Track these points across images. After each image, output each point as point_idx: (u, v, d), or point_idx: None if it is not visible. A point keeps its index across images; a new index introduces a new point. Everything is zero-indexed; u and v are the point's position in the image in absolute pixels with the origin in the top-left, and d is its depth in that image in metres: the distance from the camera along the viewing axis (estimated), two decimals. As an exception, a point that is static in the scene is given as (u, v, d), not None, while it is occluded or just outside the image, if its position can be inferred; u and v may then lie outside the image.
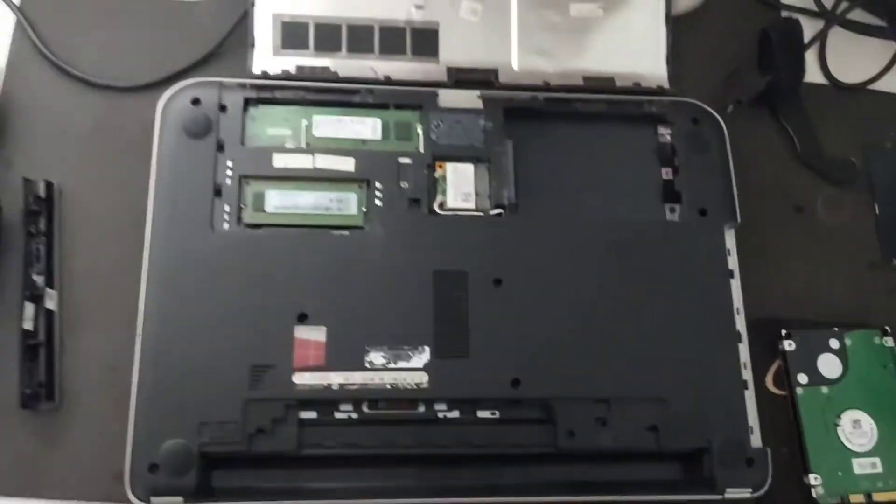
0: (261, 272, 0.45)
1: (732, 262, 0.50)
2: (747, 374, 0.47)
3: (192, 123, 0.47)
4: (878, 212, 0.56)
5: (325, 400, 0.44)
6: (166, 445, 0.41)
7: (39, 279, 0.44)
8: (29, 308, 0.44)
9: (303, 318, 0.44)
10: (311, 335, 0.44)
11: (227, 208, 0.46)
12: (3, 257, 0.46)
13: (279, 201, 0.46)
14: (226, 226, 0.46)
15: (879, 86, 0.59)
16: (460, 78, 0.52)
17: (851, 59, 0.59)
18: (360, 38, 0.52)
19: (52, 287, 0.45)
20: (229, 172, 0.46)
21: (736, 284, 0.49)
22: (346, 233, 0.46)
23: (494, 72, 0.53)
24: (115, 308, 0.46)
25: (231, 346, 0.43)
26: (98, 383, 0.45)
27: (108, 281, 0.47)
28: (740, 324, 0.48)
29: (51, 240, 0.46)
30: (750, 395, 0.47)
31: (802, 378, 0.49)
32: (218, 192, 0.46)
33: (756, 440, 0.46)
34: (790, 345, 0.50)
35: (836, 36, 0.60)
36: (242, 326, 0.44)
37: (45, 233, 0.46)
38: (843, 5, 0.59)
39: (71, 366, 0.45)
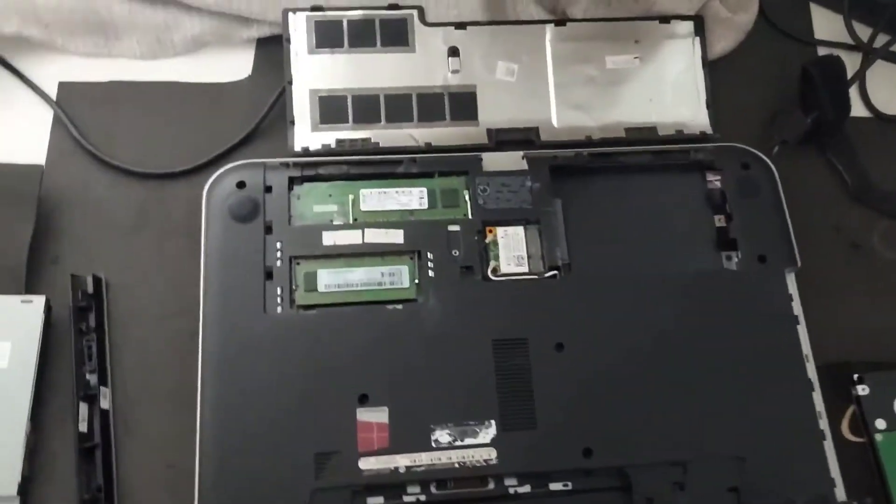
0: (317, 355, 0.44)
1: (797, 308, 0.48)
2: (824, 424, 0.46)
3: (238, 207, 0.46)
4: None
5: (392, 484, 0.42)
6: (234, 544, 0.39)
7: (92, 377, 0.44)
8: (83, 409, 0.43)
9: (364, 400, 0.43)
10: (374, 417, 0.43)
11: (279, 291, 0.45)
12: (54, 356, 0.45)
13: (330, 280, 0.46)
14: (279, 309, 0.45)
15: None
16: (501, 139, 0.52)
17: (893, 90, 0.58)
18: (398, 107, 0.52)
19: (105, 385, 0.44)
20: (279, 254, 0.46)
21: (802, 330, 0.48)
22: (399, 307, 0.45)
23: (535, 130, 0.52)
24: (170, 402, 0.45)
25: (293, 434, 0.42)
26: (157, 482, 0.43)
27: (160, 373, 0.46)
28: (811, 371, 0.47)
29: (102, 336, 0.45)
30: (829, 446, 0.45)
31: (880, 423, 0.47)
32: (269, 274, 0.45)
33: (840, 493, 0.44)
34: (864, 389, 0.48)
35: (877, 68, 0.59)
36: (303, 412, 0.42)
37: (95, 329, 0.45)
38: (881, 38, 0.59)
39: (128, 466, 0.44)
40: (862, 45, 0.59)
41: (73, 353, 0.44)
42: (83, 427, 0.42)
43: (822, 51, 0.59)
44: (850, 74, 0.56)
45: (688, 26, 0.55)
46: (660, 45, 0.55)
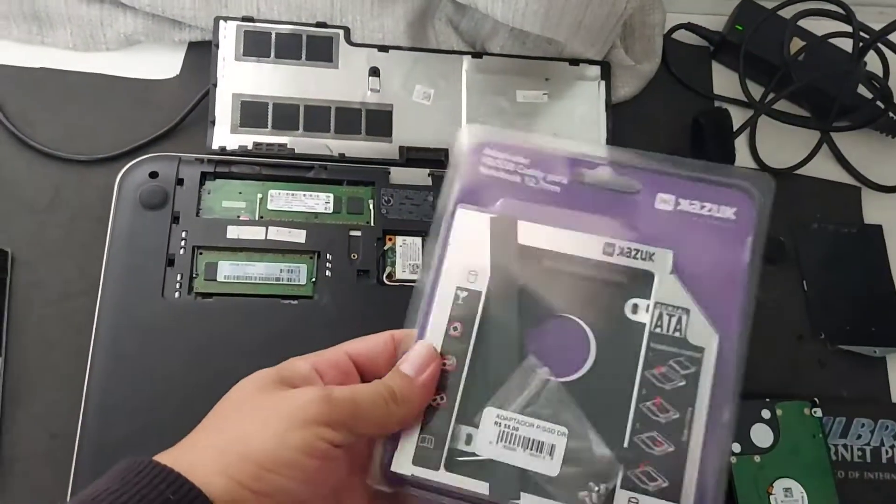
0: (210, 341, 0.46)
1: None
2: (686, 445, 0.49)
3: (148, 195, 0.48)
4: (806, 288, 0.59)
5: (268, 469, 0.44)
6: (104, 514, 0.41)
7: (-14, 346, 0.45)
8: (-27, 374, 0.44)
9: (249, 386, 0.45)
10: (257, 403, 0.44)
11: (178, 277, 0.47)
12: (-49, 323, 0.46)
13: (230, 271, 0.48)
14: (177, 294, 0.47)
15: (806, 171, 0.63)
16: (412, 157, 0.55)
17: (780, 146, 0.63)
18: (316, 117, 0.55)
19: (-2, 354, 0.45)
20: (183, 243, 0.48)
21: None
22: (295, 302, 0.48)
23: (445, 151, 0.56)
24: (61, 375, 0.46)
25: (175, 414, 0.43)
26: (39, 450, 0.45)
27: (55, 348, 0.47)
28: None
29: (0, 308, 0.46)
30: (689, 466, 0.48)
31: (735, 447, 0.50)
32: (171, 261, 0.47)
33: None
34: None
35: (766, 125, 0.64)
36: (189, 395, 0.44)
37: (-4, 300, 0.46)
38: (771, 97, 0.64)
39: (12, 433, 0.45)
40: (754, 102, 0.64)
41: (-29, 321, 0.45)
42: (-30, 392, 0.43)
43: (718, 104, 0.64)
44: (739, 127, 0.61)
45: (595, 70, 0.60)
46: (568, 84, 0.59)
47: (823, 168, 0.64)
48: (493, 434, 0.30)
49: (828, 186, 0.63)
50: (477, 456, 0.29)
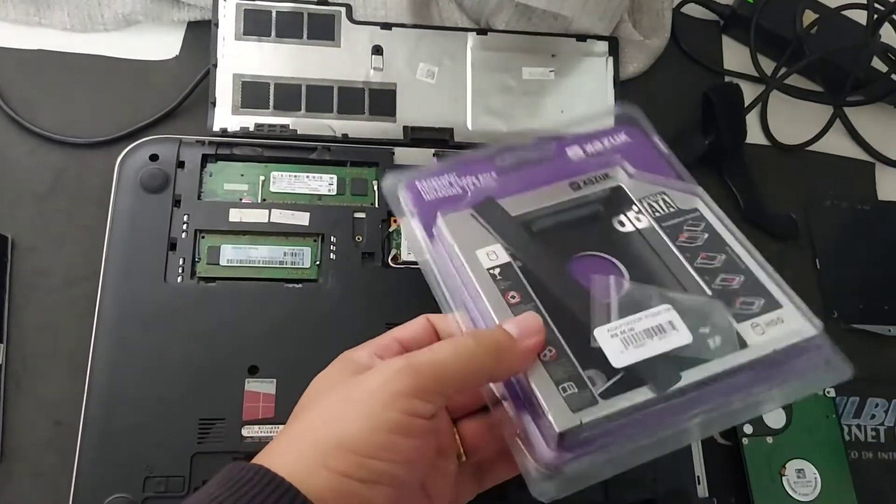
0: (213, 325, 0.45)
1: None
2: (696, 426, 0.48)
3: (149, 178, 0.48)
4: (818, 267, 0.58)
5: (274, 453, 0.43)
6: (109, 500, 0.40)
7: (-12, 332, 0.44)
8: (-25, 361, 0.43)
9: (253, 371, 0.44)
10: (261, 388, 0.44)
11: (181, 262, 0.46)
12: (-48, 310, 0.45)
13: (233, 255, 0.47)
14: (179, 279, 0.46)
15: (818, 147, 0.62)
16: (416, 136, 0.54)
17: (792, 121, 0.62)
18: (319, 97, 0.54)
19: (0, 340, 0.45)
20: (185, 227, 0.47)
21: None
22: (299, 286, 0.47)
23: (450, 131, 0.55)
24: (64, 361, 0.46)
25: (180, 399, 0.43)
26: (42, 437, 0.44)
27: (58, 334, 0.46)
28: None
29: (1, 293, 0.46)
30: (696, 446, 0.47)
31: (748, 428, 0.50)
32: (173, 246, 0.47)
33: (703, 490, 0.46)
34: (738, 397, 0.50)
35: (777, 100, 0.63)
36: (192, 380, 0.44)
37: (-3, 285, 0.46)
38: (783, 71, 0.62)
39: (15, 420, 0.44)
40: (765, 76, 0.63)
41: (-28, 307, 0.45)
42: (-27, 379, 0.43)
43: (729, 79, 0.63)
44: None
45: (602, 46, 0.59)
46: (575, 61, 0.58)
47: (836, 144, 0.62)
48: (617, 345, 0.30)
49: (841, 162, 0.62)
50: (618, 372, 0.30)
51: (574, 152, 0.38)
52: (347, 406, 0.27)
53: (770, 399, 0.31)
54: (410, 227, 0.35)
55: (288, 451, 0.27)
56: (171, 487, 0.41)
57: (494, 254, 0.33)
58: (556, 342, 0.30)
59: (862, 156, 0.63)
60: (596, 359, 0.30)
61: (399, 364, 0.28)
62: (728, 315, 0.31)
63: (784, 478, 0.48)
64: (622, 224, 0.35)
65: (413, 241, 0.36)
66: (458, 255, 0.33)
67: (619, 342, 0.30)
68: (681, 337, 0.30)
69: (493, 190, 0.36)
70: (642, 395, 0.29)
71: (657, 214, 0.35)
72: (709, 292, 0.32)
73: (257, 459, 0.27)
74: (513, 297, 0.32)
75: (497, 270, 0.32)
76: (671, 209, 0.35)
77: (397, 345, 0.33)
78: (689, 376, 0.30)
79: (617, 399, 0.29)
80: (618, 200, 0.36)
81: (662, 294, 0.32)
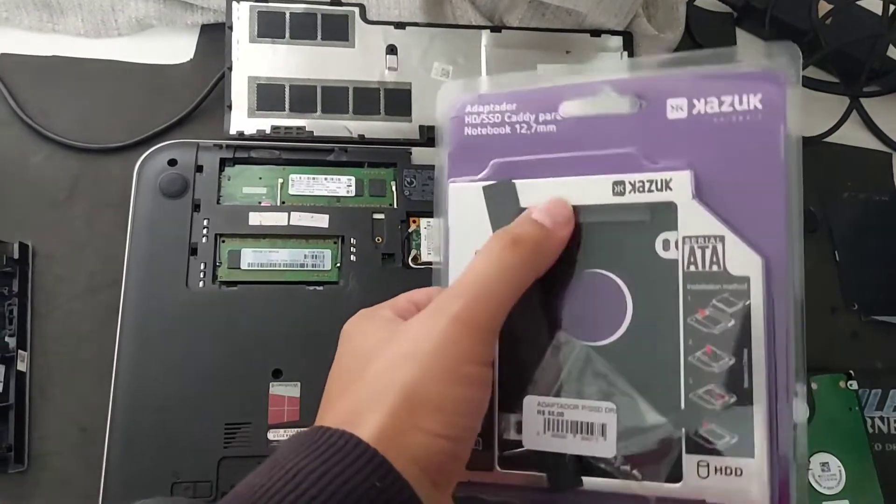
0: (235, 329, 0.45)
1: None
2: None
3: (168, 184, 0.48)
4: (838, 259, 0.57)
5: (300, 457, 0.43)
6: (138, 507, 0.40)
7: (11, 341, 0.44)
8: None
9: (277, 375, 0.44)
10: (286, 391, 0.44)
11: (202, 267, 0.46)
12: (-25, 319, 0.45)
13: (254, 258, 0.47)
14: (201, 284, 0.46)
15: (835, 138, 0.61)
16: (433, 136, 0.54)
17: (807, 113, 0.62)
18: (334, 98, 0.53)
19: (23, 349, 0.45)
20: (205, 231, 0.47)
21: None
22: (320, 288, 0.47)
23: (465, 130, 0.55)
24: (88, 369, 0.46)
25: (205, 404, 0.43)
26: (69, 444, 0.44)
27: (81, 341, 0.47)
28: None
29: (24, 301, 0.46)
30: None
31: (773, 423, 0.49)
32: (194, 251, 0.47)
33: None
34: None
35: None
36: (217, 384, 0.44)
37: (18, 294, 0.46)
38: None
39: (41, 428, 0.44)
40: (780, 69, 0.62)
41: (-5, 316, 0.45)
42: (-2, 387, 0.43)
43: (743, 73, 0.62)
44: (766, 96, 0.59)
45: (617, 41, 0.58)
46: (590, 57, 0.58)
47: (853, 135, 0.62)
48: (539, 424, 0.28)
49: (858, 154, 0.62)
50: (528, 450, 0.28)
51: (675, 107, 0.28)
52: (418, 364, 0.25)
53: None
54: (439, 161, 0.32)
55: (369, 411, 0.25)
56: (198, 492, 0.41)
57: None
58: (492, 390, 0.28)
59: (879, 147, 0.62)
60: (516, 424, 0.28)
61: (453, 306, 0.26)
62: (680, 442, 0.26)
63: (808, 471, 0.48)
64: (666, 248, 0.28)
65: (437, 175, 0.32)
66: (449, 241, 0.31)
67: (543, 421, 0.28)
68: (602, 448, 0.27)
69: (526, 164, 0.30)
70: (536, 480, 0.27)
71: (691, 269, 0.27)
72: (681, 403, 0.26)
73: (337, 425, 0.25)
74: None
75: None
76: (714, 268, 0.26)
77: (414, 307, 0.31)
78: (591, 485, 0.27)
79: (512, 473, 0.28)
80: (667, 219, 0.28)
81: (620, 387, 0.27)
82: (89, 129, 0.52)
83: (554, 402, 0.28)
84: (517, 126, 0.30)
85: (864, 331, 0.55)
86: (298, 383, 0.44)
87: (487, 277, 0.27)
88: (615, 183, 0.28)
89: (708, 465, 0.25)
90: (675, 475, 0.26)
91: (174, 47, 0.55)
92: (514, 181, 0.30)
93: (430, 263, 0.49)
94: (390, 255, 0.49)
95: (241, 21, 0.53)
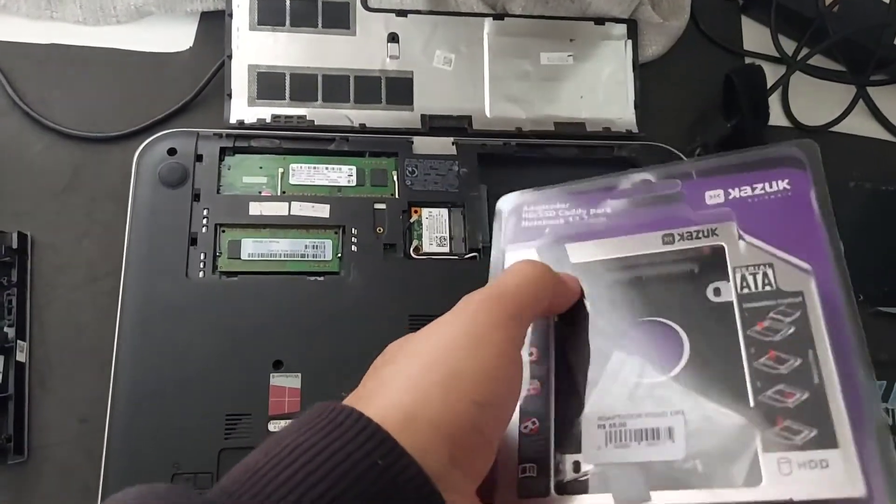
0: (236, 320, 0.45)
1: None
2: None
3: (168, 173, 0.47)
4: (843, 249, 0.57)
5: (301, 448, 0.43)
6: (138, 498, 0.40)
7: (10, 331, 0.44)
8: (-2, 360, 0.43)
9: (278, 366, 0.44)
10: (286, 382, 0.44)
11: (202, 257, 0.46)
12: (-26, 309, 0.45)
13: (254, 249, 0.47)
14: (201, 274, 0.46)
15: (841, 128, 0.61)
16: (434, 125, 0.53)
17: (814, 102, 0.61)
18: (335, 87, 0.53)
19: (23, 339, 0.45)
20: (205, 221, 0.47)
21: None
22: (321, 279, 0.47)
23: (468, 119, 0.54)
24: (88, 359, 0.45)
25: (205, 395, 0.43)
26: (69, 435, 0.44)
27: (80, 332, 0.46)
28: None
29: (23, 291, 0.46)
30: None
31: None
32: (193, 240, 0.46)
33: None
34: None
35: (799, 81, 0.62)
36: (217, 375, 0.43)
37: (17, 284, 0.45)
38: (805, 52, 0.61)
39: (41, 418, 0.44)
40: (786, 57, 0.62)
41: (-6, 306, 0.44)
42: (-3, 378, 0.43)
43: (749, 61, 0.62)
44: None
45: (621, 29, 0.58)
46: (593, 45, 0.57)
47: (860, 124, 0.62)
48: (600, 438, 0.27)
49: (865, 144, 0.61)
50: (588, 470, 0.26)
51: (713, 196, 0.31)
52: (452, 335, 0.26)
53: None
54: (498, 251, 0.34)
55: (385, 385, 0.25)
56: (199, 484, 0.41)
57: None
58: (545, 415, 0.28)
59: (886, 136, 0.62)
60: (574, 444, 0.27)
61: (483, 294, 0.27)
62: (756, 440, 0.25)
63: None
64: (717, 293, 0.29)
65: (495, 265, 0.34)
66: None
67: (604, 435, 0.27)
68: (671, 451, 0.26)
69: (579, 235, 0.32)
70: (600, 501, 0.26)
71: (745, 291, 0.28)
72: (751, 403, 0.26)
73: (356, 404, 0.23)
74: (530, 353, 0.30)
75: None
76: (767, 287, 0.28)
77: None
78: (661, 499, 0.25)
79: (570, 497, 0.26)
80: (714, 264, 0.29)
81: (685, 397, 0.27)
82: (88, 118, 0.51)
83: (615, 415, 0.27)
84: (570, 218, 0.33)
85: (870, 322, 0.55)
86: (299, 374, 0.44)
87: (517, 288, 0.28)
88: (665, 235, 0.31)
89: (790, 461, 0.24)
90: (754, 478, 0.25)
91: (173, 35, 0.55)
92: (564, 242, 0.32)
93: (433, 254, 0.49)
94: (392, 246, 0.48)
95: (241, 8, 0.53)
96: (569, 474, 0.26)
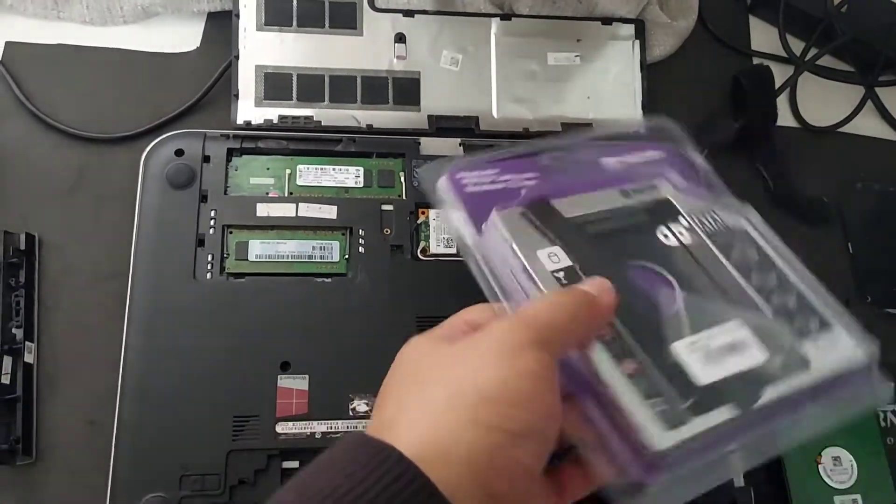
0: (243, 322, 0.45)
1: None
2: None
3: (175, 174, 0.47)
4: (851, 250, 0.57)
5: (308, 449, 0.43)
6: (145, 499, 0.40)
7: (18, 332, 0.44)
8: (7, 362, 0.43)
9: (286, 367, 0.44)
10: (294, 384, 0.44)
11: (210, 258, 0.46)
12: (-18, 310, 0.45)
13: (262, 250, 0.47)
14: (209, 275, 0.46)
15: (849, 128, 0.61)
16: (442, 126, 0.53)
17: (822, 103, 0.61)
18: (342, 88, 0.53)
19: (31, 340, 0.45)
20: (212, 222, 0.47)
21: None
22: (328, 280, 0.47)
23: (475, 119, 0.54)
24: (96, 360, 0.45)
25: (213, 396, 0.43)
26: (77, 437, 0.44)
27: (88, 333, 0.46)
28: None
29: (31, 292, 0.46)
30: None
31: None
32: (201, 242, 0.46)
33: (739, 480, 0.46)
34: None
35: (807, 81, 0.61)
36: (225, 377, 0.43)
37: (25, 285, 0.45)
38: (813, 52, 0.61)
39: (49, 419, 0.44)
40: (794, 57, 0.61)
41: (2, 307, 0.44)
42: (5, 379, 0.43)
43: (757, 61, 0.62)
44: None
45: (629, 29, 0.57)
46: (601, 45, 0.57)
47: (868, 125, 0.61)
48: (699, 361, 0.29)
49: (873, 144, 0.61)
50: (698, 389, 0.28)
51: (609, 163, 0.36)
52: (473, 363, 0.26)
53: (822, 420, 0.30)
54: (453, 219, 0.34)
55: (430, 415, 0.25)
56: (207, 485, 0.41)
57: (556, 256, 0.31)
58: (637, 354, 0.29)
59: (894, 137, 0.61)
60: (676, 374, 0.29)
61: (510, 320, 0.27)
62: (791, 334, 0.30)
63: (820, 466, 0.48)
64: (666, 237, 0.34)
65: (456, 233, 0.34)
66: (517, 255, 0.31)
67: (698, 357, 0.29)
68: (756, 355, 0.30)
69: (543, 189, 0.34)
70: (726, 413, 0.28)
71: (707, 230, 0.34)
72: (769, 311, 0.31)
73: (390, 440, 0.24)
74: None
75: (562, 274, 0.31)
76: (720, 227, 0.34)
77: (466, 326, 0.30)
78: (767, 394, 0.29)
79: (707, 417, 0.28)
80: (663, 213, 0.35)
81: (726, 309, 0.31)
82: (95, 119, 0.51)
83: (698, 338, 0.30)
84: (507, 181, 0.34)
85: (878, 323, 0.55)
86: (307, 376, 0.44)
87: (549, 316, 0.27)
88: (621, 191, 0.35)
89: (819, 346, 0.30)
90: (805, 364, 0.30)
91: (180, 35, 0.54)
92: (549, 199, 0.34)
93: (440, 255, 0.49)
94: (399, 247, 0.48)
95: (249, 9, 0.53)
96: (686, 400, 0.28)
